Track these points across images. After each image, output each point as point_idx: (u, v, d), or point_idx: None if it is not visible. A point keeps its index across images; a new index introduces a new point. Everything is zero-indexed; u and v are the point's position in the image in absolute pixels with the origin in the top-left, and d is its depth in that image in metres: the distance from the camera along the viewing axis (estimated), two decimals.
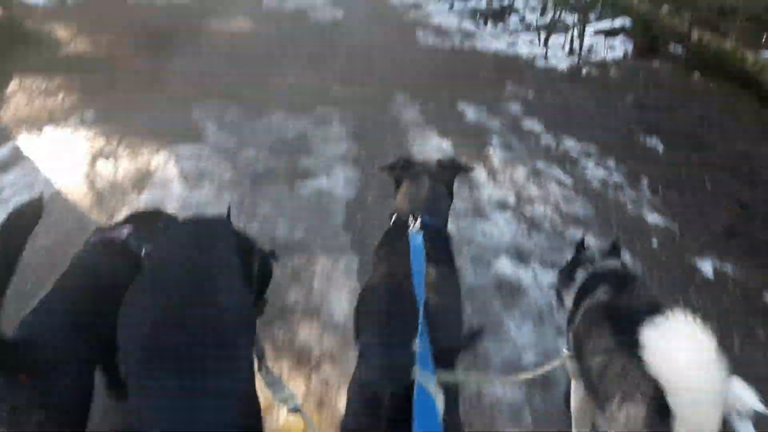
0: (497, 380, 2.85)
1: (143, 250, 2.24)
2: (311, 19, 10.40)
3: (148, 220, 2.47)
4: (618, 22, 9.78)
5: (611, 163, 5.49)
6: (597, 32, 9.62)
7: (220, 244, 2.03)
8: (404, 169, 2.57)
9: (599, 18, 10.18)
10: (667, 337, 1.52)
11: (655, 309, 1.70)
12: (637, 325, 1.57)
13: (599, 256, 2.37)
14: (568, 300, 2.32)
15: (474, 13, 11.74)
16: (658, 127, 6.41)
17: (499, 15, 12.24)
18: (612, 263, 2.31)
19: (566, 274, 2.40)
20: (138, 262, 2.18)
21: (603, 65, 8.75)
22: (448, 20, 11.11)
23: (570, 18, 10.17)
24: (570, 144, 5.84)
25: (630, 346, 1.63)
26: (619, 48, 9.33)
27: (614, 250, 2.41)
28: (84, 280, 2.16)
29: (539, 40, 9.48)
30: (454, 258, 2.23)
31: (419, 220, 2.17)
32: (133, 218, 2.53)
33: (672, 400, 1.50)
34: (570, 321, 2.24)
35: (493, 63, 8.56)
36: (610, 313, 1.99)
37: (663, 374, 1.51)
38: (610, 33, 9.65)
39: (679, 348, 1.50)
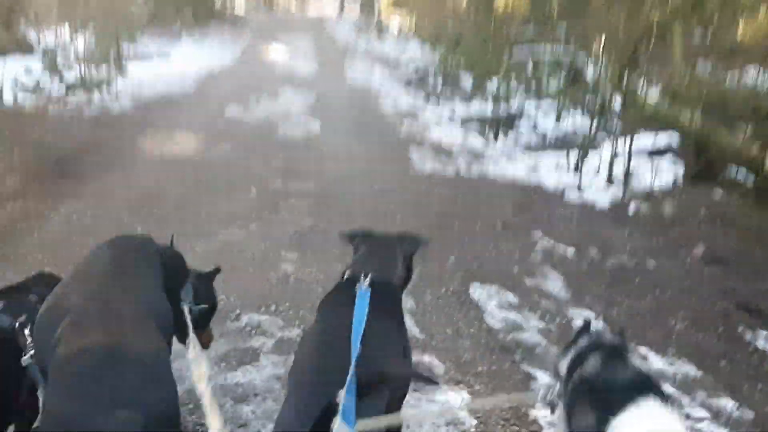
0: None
1: (23, 331, 2.01)
2: (279, 135, 8.35)
3: (23, 291, 2.32)
4: (663, 139, 7.75)
5: (726, 404, 3.24)
6: (638, 151, 7.57)
7: (136, 258, 2.12)
8: (363, 238, 2.54)
9: (633, 129, 8.18)
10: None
11: (633, 392, 1.79)
12: (613, 408, 1.70)
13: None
14: (562, 370, 2.24)
15: (479, 123, 9.74)
16: (759, 308, 4.26)
17: (508, 123, 10.37)
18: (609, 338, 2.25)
19: (565, 348, 2.31)
20: (11, 338, 1.99)
21: (651, 197, 6.67)
22: (450, 133, 9.10)
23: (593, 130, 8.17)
24: (653, 360, 3.60)
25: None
26: (666, 172, 7.27)
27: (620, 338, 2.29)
28: None
29: (567, 162, 7.41)
30: (402, 314, 2.25)
31: (369, 277, 2.12)
32: (9, 292, 2.32)
33: None
34: (562, 392, 2.19)
35: (512, 198, 6.45)
36: (593, 390, 1.98)
37: None
38: (654, 152, 7.61)
39: None
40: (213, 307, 2.55)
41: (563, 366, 2.23)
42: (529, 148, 8.69)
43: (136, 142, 7.35)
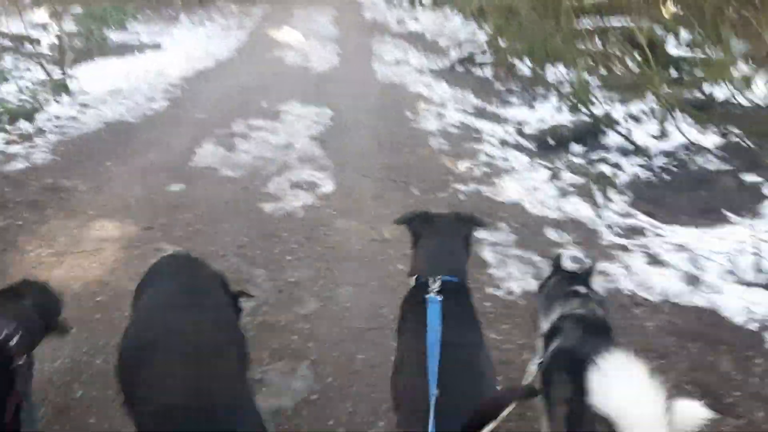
0: None
1: (9, 341, 2.03)
2: (266, 214, 5.07)
3: (16, 297, 2.31)
4: None
5: None
6: None
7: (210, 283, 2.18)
8: (422, 222, 2.46)
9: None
10: (609, 379, 1.67)
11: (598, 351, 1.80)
12: (585, 370, 1.73)
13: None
14: (540, 338, 2.37)
15: (569, 170, 6.55)
16: None
17: (592, 135, 7.36)
18: (584, 304, 2.32)
19: (542, 300, 2.49)
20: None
21: None
22: (529, 184, 5.85)
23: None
24: None
25: (582, 392, 1.73)
26: None
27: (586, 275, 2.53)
28: None
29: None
30: (475, 314, 2.19)
31: (439, 281, 2.12)
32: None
33: None
34: (540, 360, 2.27)
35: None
36: (569, 361, 2.05)
37: (612, 414, 1.62)
38: None
39: (620, 387, 1.65)
40: None
41: (542, 325, 2.40)
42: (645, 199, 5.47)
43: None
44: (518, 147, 7.55)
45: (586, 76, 9.81)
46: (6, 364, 1.95)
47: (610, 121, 8.42)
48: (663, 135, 8.10)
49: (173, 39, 13.38)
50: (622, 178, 6.93)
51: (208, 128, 6.95)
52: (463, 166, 6.27)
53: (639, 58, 10.76)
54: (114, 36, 13.91)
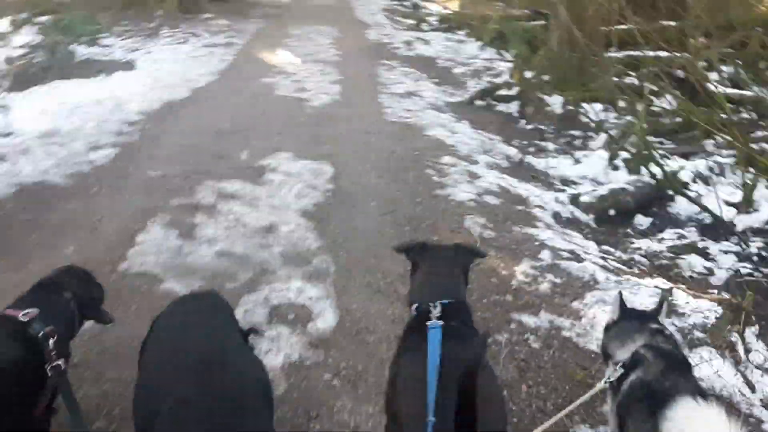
0: None
1: (48, 341, 2.01)
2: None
3: (56, 289, 2.29)
4: None
5: None
6: None
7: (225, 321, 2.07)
8: (420, 251, 2.43)
9: None
10: (688, 420, 1.70)
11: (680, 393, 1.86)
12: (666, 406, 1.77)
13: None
14: (613, 368, 2.26)
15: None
16: None
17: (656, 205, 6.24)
18: (661, 340, 2.26)
19: (616, 335, 2.38)
20: (39, 350, 1.99)
21: None
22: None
23: None
24: None
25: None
26: None
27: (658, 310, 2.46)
28: None
29: None
30: (476, 334, 2.15)
31: (439, 306, 2.08)
32: (42, 292, 2.28)
33: None
34: (614, 394, 2.21)
35: None
36: (649, 395, 2.00)
37: None
38: None
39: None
40: None
41: (617, 354, 2.27)
42: None
43: None
44: (576, 223, 5.63)
45: (643, 123, 7.88)
46: (41, 364, 1.93)
47: (677, 184, 6.53)
48: (746, 203, 6.29)
49: (149, 57, 11.40)
50: (718, 274, 5.07)
51: (163, 197, 4.96)
52: (520, 272, 4.28)
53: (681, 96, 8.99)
54: (84, 50, 11.94)
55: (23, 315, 2.04)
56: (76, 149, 5.93)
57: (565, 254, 4.75)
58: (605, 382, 2.20)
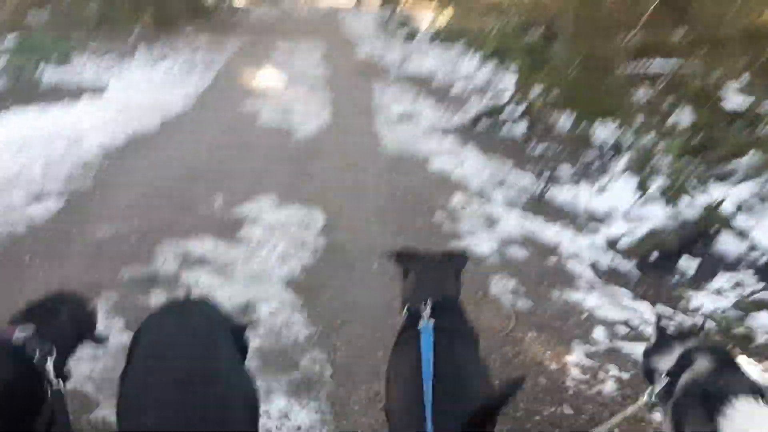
0: None
1: (45, 361, 1.93)
2: None
3: (52, 311, 2.18)
4: None
5: None
6: None
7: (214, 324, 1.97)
8: (410, 258, 2.43)
9: None
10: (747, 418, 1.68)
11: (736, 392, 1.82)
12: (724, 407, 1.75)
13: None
14: (660, 375, 2.21)
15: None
16: None
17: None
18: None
19: (657, 350, 2.30)
20: (35, 370, 1.91)
21: None
22: None
23: None
24: None
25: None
26: None
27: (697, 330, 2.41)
28: None
29: None
30: (471, 327, 2.16)
31: (429, 304, 2.06)
32: (36, 313, 2.16)
33: None
34: (666, 396, 2.13)
35: None
36: (704, 397, 1.95)
37: None
38: None
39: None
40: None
41: (661, 365, 2.20)
42: None
43: None
44: (619, 275, 4.66)
45: (677, 145, 6.94)
46: (39, 385, 1.88)
47: (720, 218, 5.58)
48: None
49: (121, 79, 10.34)
50: None
51: (111, 266, 3.90)
52: (573, 365, 3.23)
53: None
54: (53, 73, 10.85)
55: (18, 332, 1.95)
56: (14, 201, 4.85)
57: (622, 329, 3.74)
58: (651, 396, 2.14)
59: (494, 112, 9.45)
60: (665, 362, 2.21)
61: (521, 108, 9.47)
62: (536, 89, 9.76)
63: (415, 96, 10.25)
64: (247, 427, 1.66)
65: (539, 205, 5.96)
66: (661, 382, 2.14)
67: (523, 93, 9.93)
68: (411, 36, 17.42)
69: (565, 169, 7.23)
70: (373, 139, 7.51)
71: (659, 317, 2.49)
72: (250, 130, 7.43)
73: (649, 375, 2.34)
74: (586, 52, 9.46)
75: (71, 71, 11.09)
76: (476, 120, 9.25)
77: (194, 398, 1.56)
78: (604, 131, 8.16)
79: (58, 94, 9.95)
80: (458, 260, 2.50)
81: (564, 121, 8.98)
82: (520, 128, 9.02)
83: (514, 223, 5.27)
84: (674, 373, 2.10)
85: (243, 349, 2.05)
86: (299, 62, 12.24)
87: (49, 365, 1.91)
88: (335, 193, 5.50)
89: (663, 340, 2.33)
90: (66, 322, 2.17)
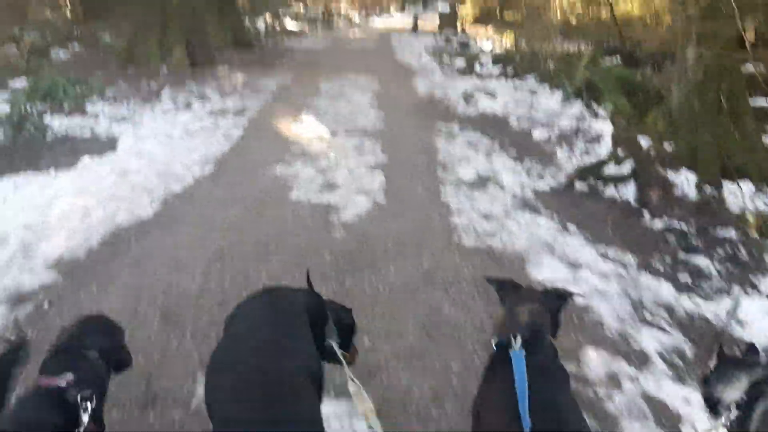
0: None
1: (85, 405, 1.91)
2: None
3: (78, 347, 2.14)
4: None
5: None
6: None
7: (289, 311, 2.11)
8: (511, 290, 2.39)
9: None
10: None
11: None
12: None
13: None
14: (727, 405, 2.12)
15: None
16: None
17: None
18: None
19: (721, 379, 2.22)
20: (76, 416, 1.89)
21: None
22: None
23: None
24: None
25: None
26: None
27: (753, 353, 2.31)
28: None
29: None
30: (563, 369, 2.06)
31: (519, 337, 2.01)
32: (68, 356, 2.10)
33: None
34: (739, 425, 2.05)
35: None
36: None
37: None
38: None
39: None
40: (353, 330, 2.50)
41: (726, 395, 2.14)
42: None
43: None
44: None
45: None
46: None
47: None
48: None
49: (137, 132, 8.62)
50: None
51: None
52: None
53: None
54: (62, 123, 9.23)
55: (60, 381, 1.93)
56: None
57: None
58: (723, 425, 2.06)
59: (592, 171, 7.33)
60: (731, 392, 2.12)
61: (627, 165, 7.31)
62: (644, 140, 7.63)
63: (489, 147, 8.18)
64: (306, 395, 1.79)
65: (699, 331, 3.80)
66: (732, 413, 2.05)
67: (626, 145, 7.78)
68: (472, 64, 15.39)
69: (703, 263, 5.11)
70: (443, 223, 5.47)
71: (720, 346, 2.32)
72: (277, 212, 5.48)
73: (711, 404, 2.22)
74: (714, 89, 7.31)
75: (83, 122, 9.44)
76: (571, 182, 7.14)
77: (263, 367, 1.77)
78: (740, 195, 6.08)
79: (60, 151, 8.33)
80: (559, 299, 2.33)
81: (684, 182, 6.86)
82: (628, 193, 6.90)
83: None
84: (745, 405, 2.02)
85: (345, 328, 2.38)
86: (347, 105, 10.31)
87: (88, 409, 1.88)
88: (395, 344, 3.45)
89: (726, 368, 2.20)
90: (96, 359, 2.11)
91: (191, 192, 6.02)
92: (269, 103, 10.48)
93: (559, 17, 22.49)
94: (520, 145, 8.46)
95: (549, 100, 10.73)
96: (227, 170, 6.74)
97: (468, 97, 11.25)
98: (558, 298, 2.36)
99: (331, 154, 7.41)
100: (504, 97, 11.20)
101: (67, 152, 8.24)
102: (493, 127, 9.34)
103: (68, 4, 21.84)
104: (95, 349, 2.13)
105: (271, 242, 4.85)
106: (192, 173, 6.60)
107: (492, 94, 11.43)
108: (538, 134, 9.00)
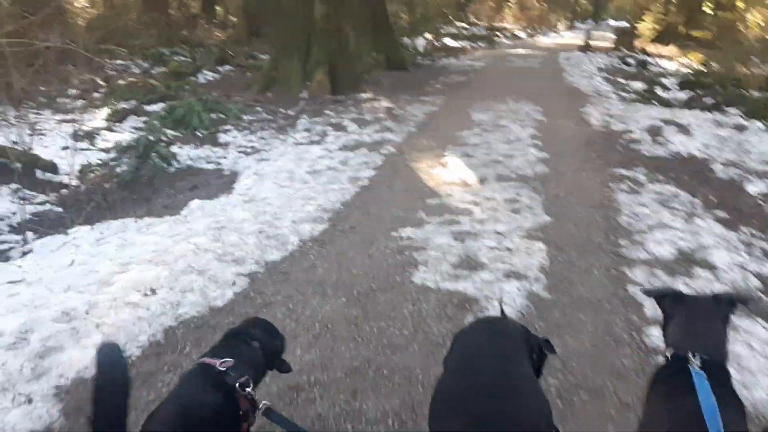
0: None
1: (244, 390, 1.96)
2: None
3: (246, 339, 2.23)
4: None
5: None
6: None
7: (513, 341, 2.05)
8: (675, 301, 2.19)
9: None
10: None
11: None
12: None
13: None
14: None
15: None
16: None
17: None
18: None
19: None
20: (234, 399, 1.95)
21: None
22: None
23: None
24: None
25: None
26: None
27: None
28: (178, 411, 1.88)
29: None
30: (739, 398, 1.88)
31: (698, 358, 1.87)
32: (234, 343, 2.21)
33: None
34: None
35: None
36: None
37: None
38: None
39: None
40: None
41: None
42: None
43: None
44: None
45: None
46: (235, 414, 1.92)
47: None
48: None
49: (261, 168, 7.55)
50: None
51: None
52: None
53: None
54: (189, 153, 8.46)
55: (221, 364, 2.00)
56: None
57: None
58: None
59: None
60: None
61: None
62: None
63: (689, 206, 6.09)
64: None
65: None
66: None
67: None
68: (652, 88, 12.99)
69: None
70: (631, 341, 3.60)
71: None
72: (390, 307, 3.92)
73: None
74: None
75: (211, 153, 8.58)
76: None
77: (493, 410, 1.67)
78: None
79: (178, 188, 7.49)
80: (728, 304, 2.13)
81: None
82: None
83: None
84: None
85: (539, 360, 2.18)
86: (502, 141, 8.57)
87: (247, 394, 1.93)
88: None
89: None
90: (258, 351, 2.19)
91: (288, 266, 4.63)
92: (412, 135, 9.01)
93: (759, 34, 19.15)
94: (731, 204, 6.30)
95: (764, 141, 8.28)
96: (341, 233, 5.30)
97: (654, 131, 9.06)
98: (729, 304, 2.13)
99: (475, 212, 5.74)
100: (701, 134, 8.89)
101: (182, 190, 7.35)
102: (691, 175, 7.19)
103: (239, 23, 22.05)
104: (260, 344, 2.20)
105: (371, 367, 3.28)
106: (299, 234, 5.23)
107: (684, 129, 9.14)
108: (754, 189, 6.73)
